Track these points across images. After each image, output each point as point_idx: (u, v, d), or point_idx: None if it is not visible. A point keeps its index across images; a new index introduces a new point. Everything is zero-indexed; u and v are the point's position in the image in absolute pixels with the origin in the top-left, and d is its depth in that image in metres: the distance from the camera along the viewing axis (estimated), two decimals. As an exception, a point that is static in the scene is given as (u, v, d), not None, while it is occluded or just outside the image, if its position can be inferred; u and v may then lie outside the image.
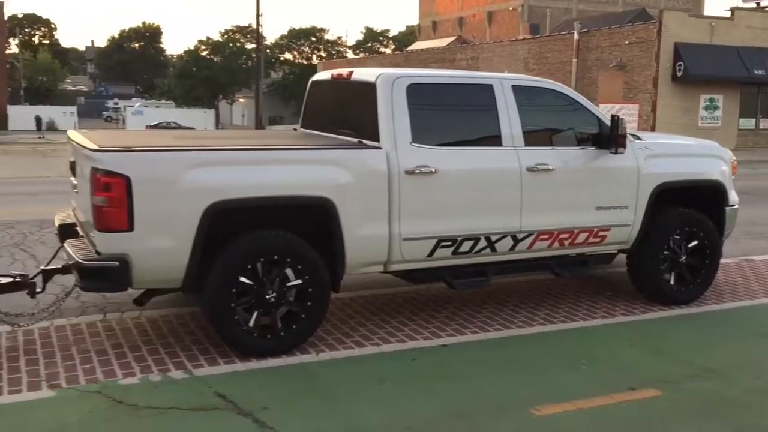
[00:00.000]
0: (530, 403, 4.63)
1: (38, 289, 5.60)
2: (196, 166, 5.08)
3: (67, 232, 5.88)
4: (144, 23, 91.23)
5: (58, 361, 5.13)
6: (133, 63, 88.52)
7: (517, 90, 6.29)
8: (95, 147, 5.02)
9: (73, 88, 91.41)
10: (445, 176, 5.82)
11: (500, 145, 6.12)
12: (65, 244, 5.47)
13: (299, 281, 5.36)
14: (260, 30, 43.88)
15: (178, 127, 58.03)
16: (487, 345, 5.73)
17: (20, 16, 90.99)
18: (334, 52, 75.82)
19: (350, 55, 75.73)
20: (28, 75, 73.98)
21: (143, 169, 4.94)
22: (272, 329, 5.34)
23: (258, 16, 41.54)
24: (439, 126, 6.08)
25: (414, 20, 71.47)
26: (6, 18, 64.38)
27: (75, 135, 5.83)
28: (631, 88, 29.22)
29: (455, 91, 6.25)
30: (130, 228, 4.90)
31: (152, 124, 54.32)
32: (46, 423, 4.26)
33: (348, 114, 6.58)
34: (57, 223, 6.08)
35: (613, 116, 6.40)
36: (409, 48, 54.93)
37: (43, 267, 5.75)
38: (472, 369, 5.22)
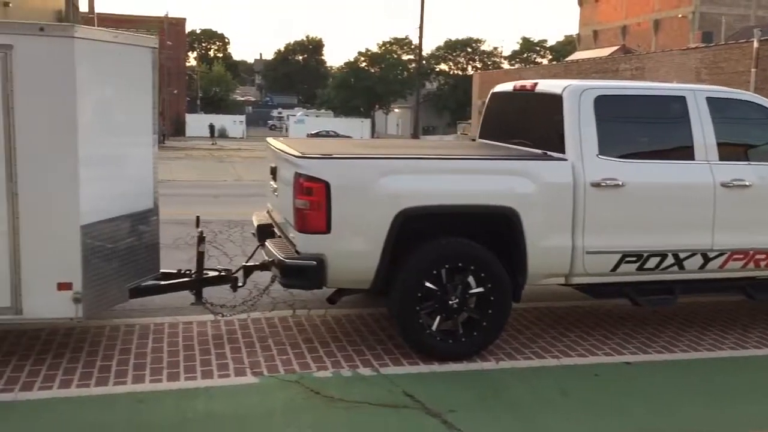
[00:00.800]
0: (728, 431, 4.42)
1: (239, 284, 6.11)
2: (389, 174, 5.33)
3: (264, 232, 6.36)
4: (307, 37, 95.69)
5: (258, 351, 5.56)
6: (296, 74, 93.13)
7: (712, 102, 6.03)
8: (299, 154, 5.40)
9: (242, 98, 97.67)
10: (632, 190, 5.69)
11: (692, 159, 5.90)
12: (267, 243, 5.91)
13: (481, 289, 5.45)
14: (421, 43, 44.77)
15: (337, 135, 60.52)
16: (675, 366, 5.52)
17: (198, 31, 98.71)
18: (489, 63, 75.55)
19: (505, 65, 75.12)
20: (204, 86, 79.97)
21: (341, 175, 5.26)
22: (454, 334, 5.47)
23: (421, 32, 42.36)
24: (628, 138, 5.96)
25: (572, 30, 69.77)
26: (186, 33, 70.10)
27: (276, 142, 6.29)
28: (820, 100, 26.58)
29: (645, 103, 6.09)
30: (328, 230, 5.22)
31: (313, 132, 56.84)
32: (255, 407, 4.63)
33: (530, 125, 6.60)
34: (255, 224, 6.57)
35: (821, 130, 5.97)
36: (569, 58, 53.56)
37: (244, 263, 6.24)
38: (660, 390, 5.05)
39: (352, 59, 79.28)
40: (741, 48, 30.64)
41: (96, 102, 5.17)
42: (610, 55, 46.29)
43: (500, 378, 5.19)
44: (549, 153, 5.84)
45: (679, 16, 52.58)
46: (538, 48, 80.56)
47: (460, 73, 75.78)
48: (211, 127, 56.11)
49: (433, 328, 5.43)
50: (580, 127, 5.68)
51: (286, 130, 66.52)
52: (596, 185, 5.61)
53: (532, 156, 5.94)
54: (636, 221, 5.74)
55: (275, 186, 6.20)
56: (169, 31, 56.51)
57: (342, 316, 6.52)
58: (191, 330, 6.01)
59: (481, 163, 5.77)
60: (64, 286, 5.06)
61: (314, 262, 5.24)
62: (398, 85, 74.35)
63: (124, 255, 5.54)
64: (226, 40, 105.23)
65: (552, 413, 4.64)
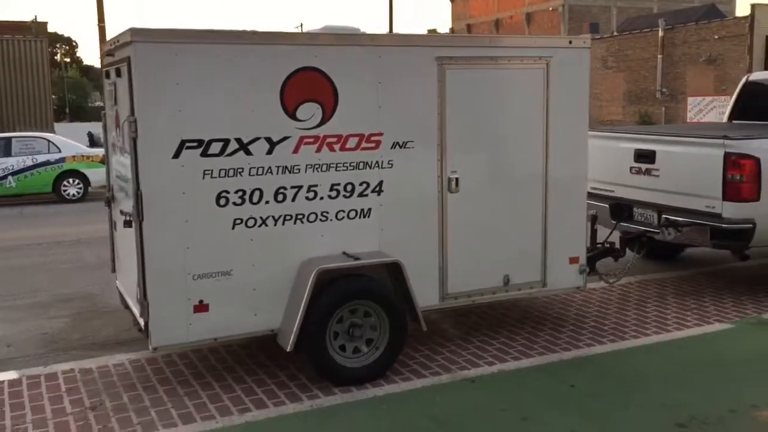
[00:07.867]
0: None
1: (620, 255, 6.97)
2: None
3: (618, 209, 7.24)
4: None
5: (675, 306, 6.55)
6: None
7: None
8: (721, 136, 6.40)
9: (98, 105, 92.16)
10: None
11: None
12: (667, 216, 6.75)
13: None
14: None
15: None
16: None
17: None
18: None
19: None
20: (56, 92, 74.49)
21: (766, 152, 6.33)
22: None
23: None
24: None
25: (440, 25, 72.65)
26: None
27: (641, 129, 7.22)
28: (723, 81, 30.68)
29: None
30: (758, 198, 6.29)
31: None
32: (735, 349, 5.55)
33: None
34: (607, 204, 7.37)
35: None
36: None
37: (623, 237, 7.08)
38: None
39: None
40: (646, 37, 34.34)
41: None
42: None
43: None
44: None
45: (550, 9, 57.04)
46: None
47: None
48: (90, 136, 52.90)
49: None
50: None
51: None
52: None
53: None
54: None
55: (647, 167, 7.04)
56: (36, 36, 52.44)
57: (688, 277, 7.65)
58: (594, 293, 6.93)
59: None
60: (574, 260, 5.78)
61: (750, 225, 6.30)
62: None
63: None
64: (74, 44, 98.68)
65: None
